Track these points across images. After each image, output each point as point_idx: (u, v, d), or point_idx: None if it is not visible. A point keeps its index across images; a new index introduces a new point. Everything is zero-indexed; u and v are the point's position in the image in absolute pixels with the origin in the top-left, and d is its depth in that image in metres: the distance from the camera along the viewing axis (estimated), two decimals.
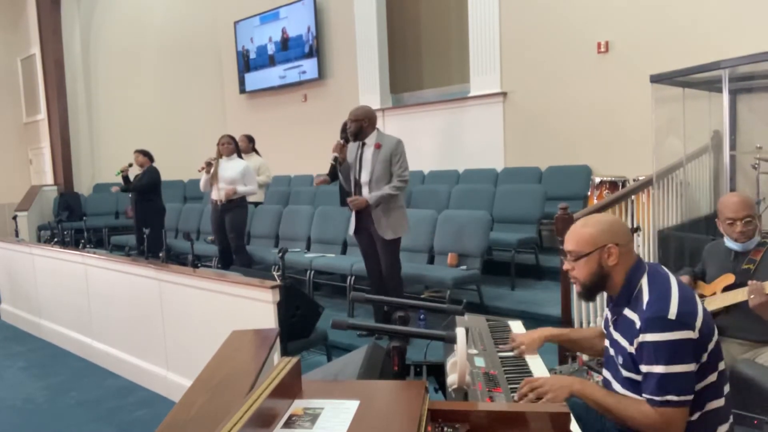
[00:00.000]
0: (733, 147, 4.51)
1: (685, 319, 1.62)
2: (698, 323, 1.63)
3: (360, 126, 4.19)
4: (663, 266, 1.82)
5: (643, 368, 1.65)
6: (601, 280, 1.79)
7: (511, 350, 2.01)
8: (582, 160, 6.11)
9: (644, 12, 5.61)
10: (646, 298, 1.69)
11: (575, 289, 1.97)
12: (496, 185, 6.27)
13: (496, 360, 1.89)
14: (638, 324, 1.67)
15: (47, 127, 10.01)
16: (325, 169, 5.93)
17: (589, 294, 1.87)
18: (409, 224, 4.39)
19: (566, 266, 1.87)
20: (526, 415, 1.23)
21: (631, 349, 1.69)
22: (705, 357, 1.65)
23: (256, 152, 6.97)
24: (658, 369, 1.61)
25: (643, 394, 1.65)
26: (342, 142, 4.30)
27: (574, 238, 1.81)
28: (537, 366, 1.91)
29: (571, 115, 6.20)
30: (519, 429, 1.21)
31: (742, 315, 2.46)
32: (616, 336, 1.78)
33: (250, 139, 6.91)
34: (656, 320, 1.63)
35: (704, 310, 1.69)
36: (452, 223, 4.97)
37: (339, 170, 4.36)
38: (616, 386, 1.78)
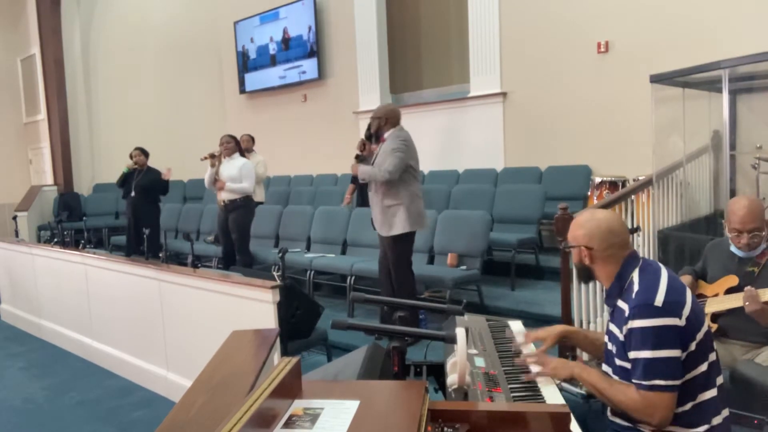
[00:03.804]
0: (733, 147, 4.51)
1: (670, 307, 1.68)
2: (685, 311, 1.69)
3: (378, 124, 4.21)
4: (657, 261, 1.89)
5: (631, 354, 1.71)
6: (585, 270, 1.94)
7: (519, 355, 1.92)
8: (582, 160, 6.10)
9: (644, 12, 5.61)
10: (636, 288, 1.77)
11: None
12: (496, 185, 6.27)
13: (496, 360, 1.89)
14: (627, 312, 1.74)
15: (47, 127, 10.01)
16: (327, 168, 5.92)
17: (580, 276, 2.04)
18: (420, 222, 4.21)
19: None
20: (526, 415, 1.22)
21: (623, 338, 1.75)
22: (693, 346, 1.70)
23: (255, 152, 7.09)
24: (645, 354, 1.67)
25: (632, 380, 1.71)
26: (363, 139, 4.27)
27: (570, 228, 1.96)
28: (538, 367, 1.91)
29: (571, 115, 6.19)
30: (519, 429, 1.21)
31: (744, 317, 2.44)
32: (612, 327, 1.85)
33: (253, 139, 7.16)
34: (643, 307, 1.70)
35: (693, 300, 1.75)
36: (452, 223, 4.96)
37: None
38: (614, 378, 1.82)
